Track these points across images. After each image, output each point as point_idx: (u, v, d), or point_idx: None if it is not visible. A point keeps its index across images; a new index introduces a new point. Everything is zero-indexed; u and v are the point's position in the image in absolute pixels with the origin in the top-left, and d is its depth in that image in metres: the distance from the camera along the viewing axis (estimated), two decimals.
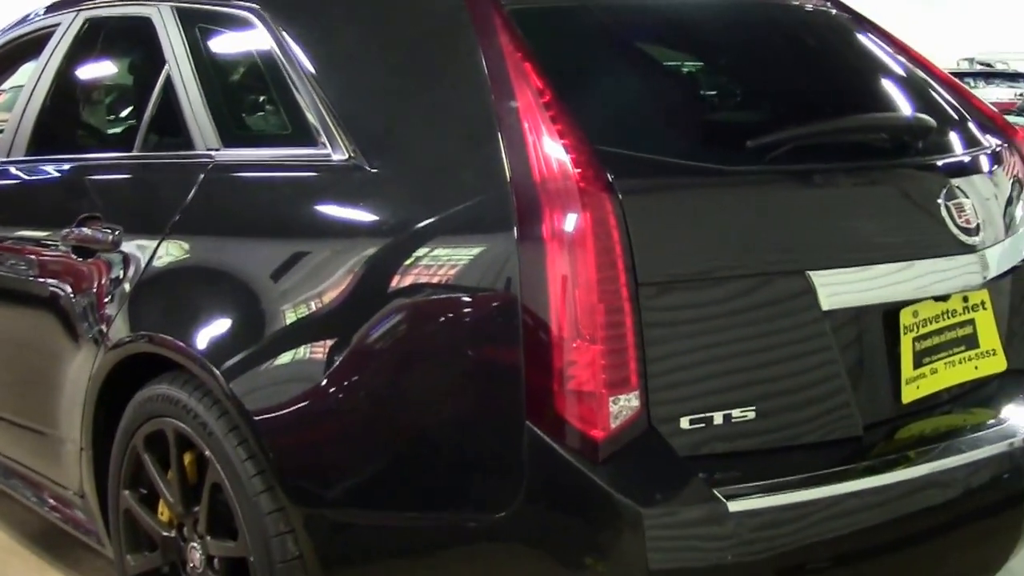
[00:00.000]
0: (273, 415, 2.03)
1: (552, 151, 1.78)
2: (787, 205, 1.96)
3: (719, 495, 1.73)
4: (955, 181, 2.16)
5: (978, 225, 2.15)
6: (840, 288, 1.93)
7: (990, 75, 7.33)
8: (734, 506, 1.72)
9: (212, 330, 2.18)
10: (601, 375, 1.72)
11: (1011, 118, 6.70)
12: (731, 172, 1.93)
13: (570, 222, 1.74)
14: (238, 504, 2.10)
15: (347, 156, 2.06)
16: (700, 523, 1.73)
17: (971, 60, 7.57)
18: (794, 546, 1.80)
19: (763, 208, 1.93)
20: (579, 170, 1.76)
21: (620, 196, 1.77)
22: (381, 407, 1.94)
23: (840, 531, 1.84)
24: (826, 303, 1.91)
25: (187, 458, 2.31)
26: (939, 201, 2.11)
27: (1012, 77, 7.26)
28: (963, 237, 2.11)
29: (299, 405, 2.01)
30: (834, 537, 1.83)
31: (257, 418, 2.02)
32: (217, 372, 2.08)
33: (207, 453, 2.16)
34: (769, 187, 1.97)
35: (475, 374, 1.85)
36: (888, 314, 2.05)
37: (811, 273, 1.90)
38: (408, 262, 1.91)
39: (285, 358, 2.05)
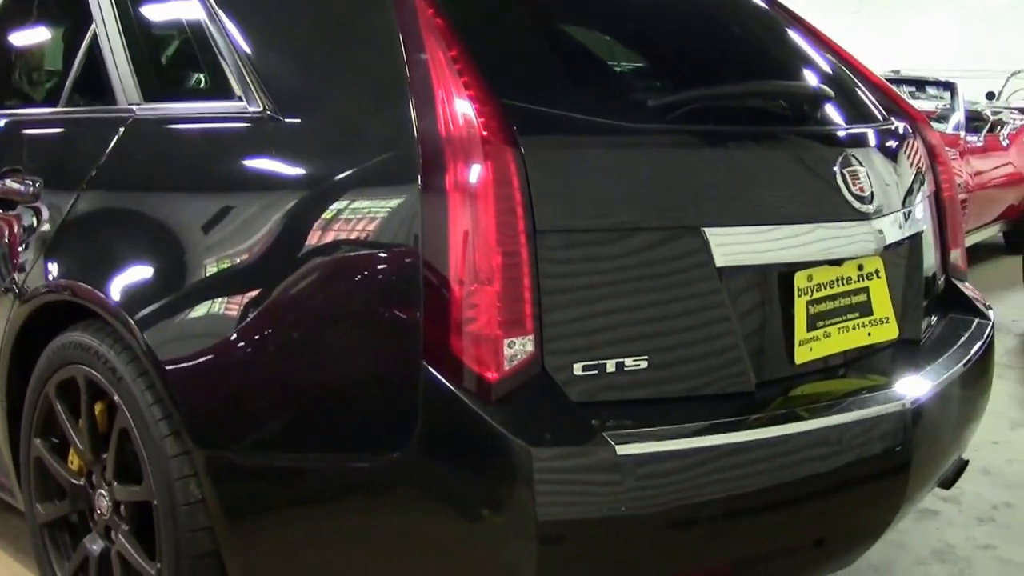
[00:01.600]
0: (181, 361, 2.06)
1: (458, 104, 1.82)
2: (686, 164, 2.02)
3: (608, 438, 1.78)
4: (851, 151, 2.24)
5: (872, 194, 2.23)
6: (734, 246, 2.00)
7: (918, 84, 7.56)
8: (623, 449, 1.77)
9: (126, 280, 2.21)
10: (496, 318, 1.76)
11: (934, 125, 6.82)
12: (632, 129, 2.00)
13: (472, 171, 1.78)
14: (144, 448, 2.13)
15: (261, 108, 2.09)
16: (588, 465, 1.78)
17: (897, 72, 7.81)
18: (683, 497, 1.85)
19: (662, 165, 1.99)
20: (483, 120, 1.80)
21: (523, 148, 1.82)
22: (285, 352, 1.98)
23: (729, 483, 1.89)
24: (720, 260, 1.97)
25: (98, 407, 2.34)
26: (834, 168, 2.18)
27: (940, 85, 7.48)
28: (857, 204, 2.18)
29: (206, 351, 2.05)
30: (724, 489, 1.88)
31: (165, 363, 2.06)
32: (130, 320, 2.11)
33: (116, 398, 2.18)
34: (669, 146, 2.03)
35: (376, 318, 1.88)
36: (783, 276, 2.11)
37: (706, 230, 1.96)
38: (317, 214, 1.95)
39: (194, 306, 2.08)
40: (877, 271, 2.31)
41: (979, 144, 7.57)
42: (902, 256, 2.41)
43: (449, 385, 1.77)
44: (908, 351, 2.39)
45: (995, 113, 8.20)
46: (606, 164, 1.93)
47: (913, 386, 2.18)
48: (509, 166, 1.80)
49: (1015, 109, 9.55)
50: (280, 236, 1.99)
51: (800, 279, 2.13)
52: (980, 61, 14.45)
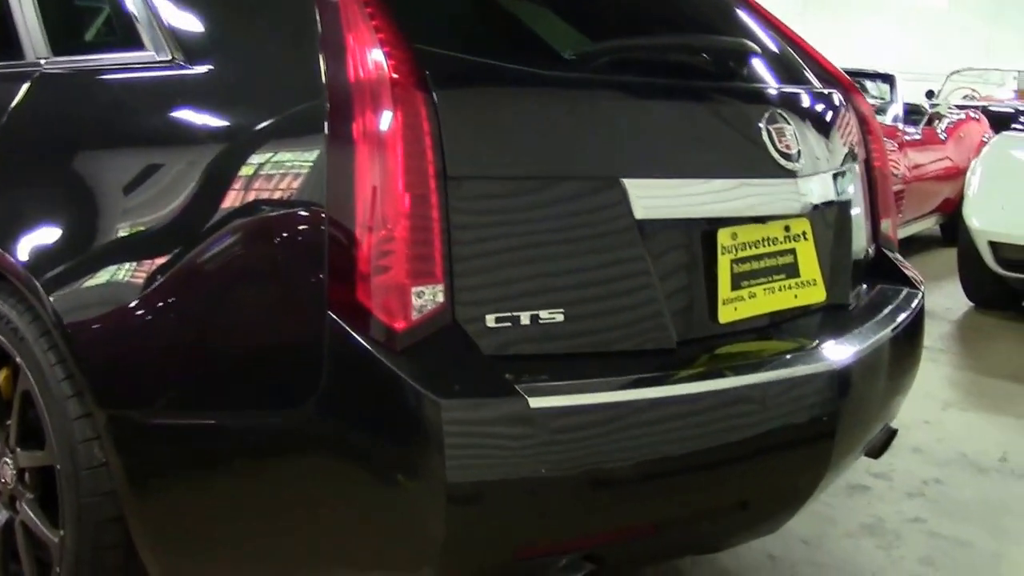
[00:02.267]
0: (84, 320, 1.99)
1: (368, 49, 1.76)
2: (605, 114, 1.97)
3: (521, 391, 1.72)
4: (779, 109, 2.21)
5: (799, 153, 2.19)
6: (654, 199, 1.95)
7: (857, 76, 7.59)
8: (536, 402, 1.72)
9: (32, 241, 2.12)
10: (404, 265, 1.70)
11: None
12: (550, 78, 1.95)
13: (381, 114, 1.72)
14: (46, 410, 2.04)
15: (170, 58, 2.02)
16: (500, 418, 1.71)
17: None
18: (599, 454, 1.79)
19: (580, 115, 1.94)
20: (393, 64, 1.74)
21: (435, 94, 1.76)
22: (189, 308, 1.91)
23: (648, 441, 1.84)
24: (640, 212, 1.92)
25: (2, 374, 2.25)
26: (760, 125, 2.14)
27: (879, 78, 7.53)
28: (782, 162, 2.15)
29: (109, 310, 1.98)
30: (642, 447, 1.83)
31: (69, 323, 1.98)
32: (35, 281, 2.03)
33: (18, 360, 2.10)
34: (588, 95, 1.98)
35: (281, 270, 1.82)
36: (707, 233, 2.07)
37: (625, 181, 1.92)
38: (224, 167, 1.89)
39: (98, 265, 2.01)
40: (804, 233, 2.27)
41: (917, 137, 7.62)
42: (830, 220, 2.38)
43: (355, 335, 1.70)
44: (836, 316, 2.36)
45: (933, 106, 8.26)
46: (522, 112, 1.88)
47: (840, 350, 2.15)
48: (420, 111, 1.74)
49: (954, 107, 9.65)
50: (186, 191, 1.92)
51: (724, 236, 2.09)
52: (921, 63, 14.64)
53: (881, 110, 7.59)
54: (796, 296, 2.26)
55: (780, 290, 2.22)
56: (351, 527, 1.82)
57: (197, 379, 1.90)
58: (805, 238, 2.28)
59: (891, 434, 2.61)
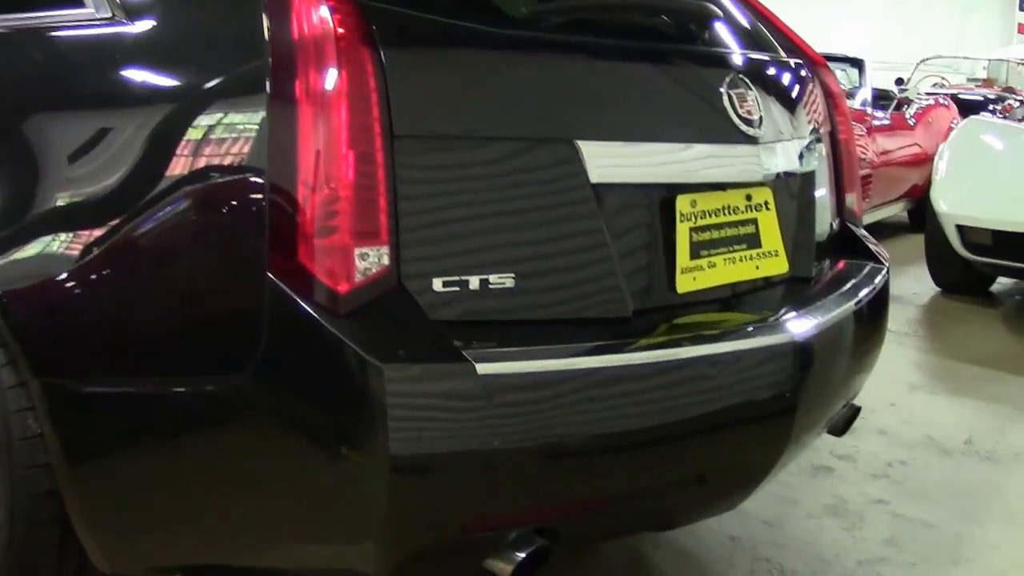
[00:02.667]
0: (17, 287, 1.91)
1: (314, 4, 1.69)
2: (560, 74, 1.90)
3: (469, 357, 1.66)
4: (741, 74, 2.15)
5: (760, 119, 2.14)
6: (610, 161, 1.89)
7: (827, 60, 7.61)
8: (484, 368, 1.65)
9: None
10: (347, 226, 1.63)
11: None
12: (503, 36, 1.88)
13: (325, 70, 1.65)
14: None
15: (110, 14, 1.94)
16: (446, 385, 1.65)
17: None
18: (550, 424, 1.73)
19: (534, 75, 1.87)
20: (338, 18, 1.67)
21: (381, 50, 1.69)
22: (126, 272, 1.84)
23: (602, 411, 1.78)
24: (595, 175, 1.86)
25: None
26: (721, 89, 2.09)
27: (848, 62, 7.49)
28: (743, 127, 2.09)
29: (44, 275, 1.90)
30: (596, 418, 1.77)
31: (2, 291, 1.90)
32: None
33: None
34: (542, 55, 1.91)
35: (220, 232, 1.75)
36: (665, 200, 2.01)
37: (580, 143, 1.85)
38: (164, 129, 1.82)
39: (31, 230, 1.93)
40: (766, 203, 2.22)
41: (886, 122, 7.60)
42: (794, 191, 2.33)
43: (295, 298, 1.63)
44: (799, 289, 2.31)
45: (902, 91, 8.24)
46: (472, 71, 1.81)
47: (802, 323, 2.09)
48: (365, 67, 1.67)
49: (923, 94, 9.63)
50: (125, 154, 1.85)
51: (683, 203, 2.03)
52: (892, 52, 14.65)
53: (850, 95, 7.56)
54: (758, 267, 2.20)
55: (741, 260, 2.17)
56: (293, 499, 1.75)
57: (134, 346, 1.83)
58: (767, 208, 2.22)
59: (854, 412, 2.56)
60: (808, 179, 2.37)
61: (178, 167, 1.79)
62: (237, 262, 1.72)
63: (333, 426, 1.66)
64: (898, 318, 5.47)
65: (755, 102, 2.13)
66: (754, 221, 2.20)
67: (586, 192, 1.86)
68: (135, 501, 1.90)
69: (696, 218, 2.06)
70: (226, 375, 1.71)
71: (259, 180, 1.68)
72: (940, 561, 2.80)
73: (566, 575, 2.63)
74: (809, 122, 2.44)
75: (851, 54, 8.39)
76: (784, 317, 2.11)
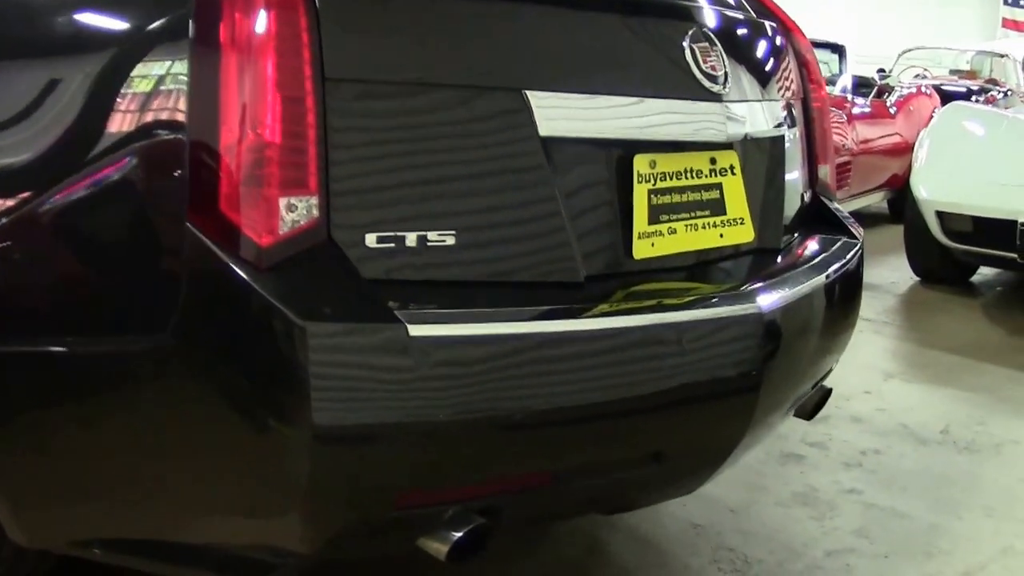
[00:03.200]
0: None
1: None
2: (509, 20, 1.76)
3: (400, 316, 1.51)
4: (705, 28, 2.00)
5: (725, 75, 2.00)
6: (561, 114, 1.75)
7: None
8: (416, 330, 1.51)
9: None
10: (273, 174, 1.49)
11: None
12: None
13: (252, 8, 1.51)
14: None
15: None
16: (374, 345, 1.50)
17: None
18: (488, 391, 1.58)
19: (481, 19, 1.73)
20: None
21: None
22: (38, 229, 1.69)
23: (543, 381, 1.63)
24: (544, 128, 1.72)
25: None
26: (683, 43, 1.94)
27: (828, 48, 7.35)
28: (706, 83, 1.95)
29: None
30: (536, 388, 1.63)
31: None
32: None
33: None
34: (489, 0, 1.76)
35: (140, 180, 1.61)
36: (622, 159, 1.87)
37: (529, 93, 1.71)
38: (84, 76, 1.69)
39: None
40: (732, 167, 2.08)
41: (866, 109, 7.47)
42: (762, 156, 2.18)
43: (215, 250, 1.49)
44: (766, 260, 2.17)
45: (883, 78, 8.11)
46: (415, 13, 1.67)
47: (768, 295, 1.95)
48: (296, 6, 1.53)
49: (906, 83, 9.52)
50: (38, 103, 1.72)
51: (640, 163, 1.89)
52: (875, 45, 14.55)
53: (830, 82, 7.44)
54: (722, 235, 2.06)
55: (704, 227, 2.03)
56: (212, 468, 1.61)
57: (46, 305, 1.69)
58: (733, 173, 2.08)
59: (825, 394, 2.43)
60: (777, 145, 2.23)
61: (95, 116, 1.67)
62: (156, 213, 1.58)
63: (253, 390, 1.52)
64: (875, 307, 5.35)
65: (719, 58, 1.99)
66: (719, 186, 2.05)
67: (534, 146, 1.71)
68: (47, 470, 1.76)
69: (656, 180, 1.92)
70: (144, 335, 1.58)
71: (180, 126, 1.54)
72: (913, 553, 2.67)
73: (518, 562, 2.50)
74: (779, 86, 2.30)
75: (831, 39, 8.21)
76: (749, 288, 1.97)
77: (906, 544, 2.71)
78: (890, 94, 8.01)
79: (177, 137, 1.55)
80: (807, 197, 2.46)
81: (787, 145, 2.28)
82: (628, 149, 1.87)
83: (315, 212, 1.52)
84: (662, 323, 1.76)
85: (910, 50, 11.37)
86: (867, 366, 4.29)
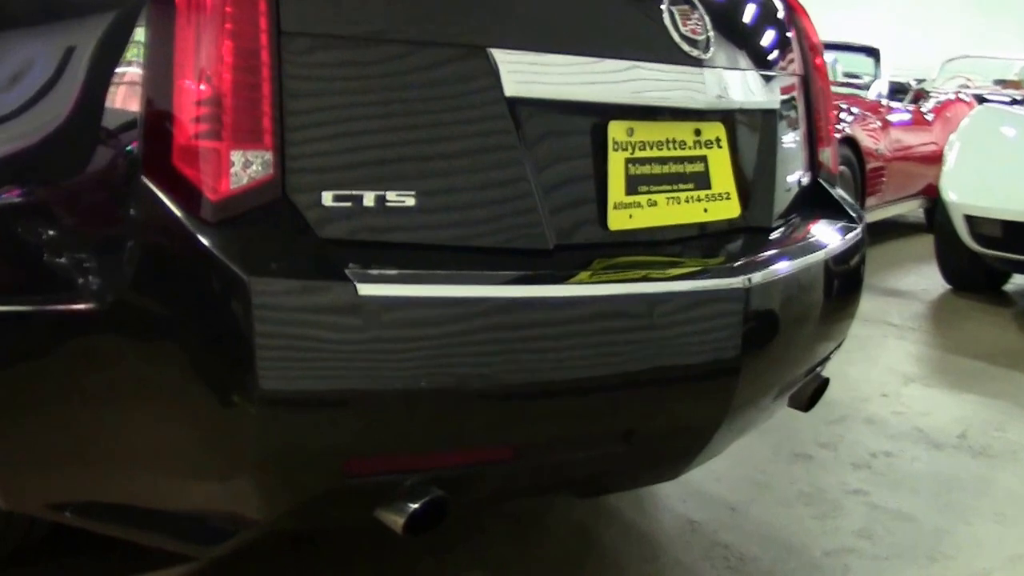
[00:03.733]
0: None
1: None
2: None
3: (349, 275, 1.45)
4: None
5: (707, 40, 1.92)
6: (529, 74, 1.68)
7: (840, 49, 7.27)
8: (367, 289, 1.44)
9: None
10: (227, 127, 1.45)
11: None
12: None
13: None
14: None
15: None
16: (321, 304, 1.44)
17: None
18: (442, 357, 1.51)
19: None
20: None
21: None
22: None
23: (501, 347, 1.56)
24: (511, 88, 1.65)
25: None
26: (662, 5, 1.86)
27: (863, 51, 7.17)
28: (686, 47, 1.87)
29: None
30: (493, 355, 1.55)
31: None
32: None
33: None
34: None
35: (91, 131, 1.58)
36: (597, 126, 1.80)
37: (494, 51, 1.65)
38: (35, 29, 1.69)
39: None
40: (718, 140, 1.99)
41: (901, 116, 7.32)
42: (752, 130, 2.10)
43: (167, 204, 1.45)
44: (755, 238, 2.09)
45: (919, 81, 7.94)
46: None
47: (753, 272, 1.86)
48: None
49: (943, 90, 9.33)
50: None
51: (616, 130, 1.81)
52: (916, 58, 14.34)
53: (864, 86, 7.31)
54: (706, 210, 1.98)
55: (687, 201, 1.95)
56: (167, 430, 1.56)
57: (5, 265, 1.65)
58: (719, 145, 2.00)
59: (822, 384, 2.33)
60: (770, 119, 2.15)
61: (50, 71, 1.64)
62: (113, 169, 1.54)
63: (200, 349, 1.47)
64: (902, 312, 5.23)
65: (701, 22, 1.91)
66: (703, 159, 1.97)
67: (500, 107, 1.65)
68: (17, 433, 1.74)
69: (634, 149, 1.84)
70: (101, 293, 1.53)
71: (136, 79, 1.51)
72: (915, 556, 2.56)
73: (509, 552, 2.42)
74: (774, 60, 2.21)
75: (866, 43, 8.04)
76: (733, 264, 1.88)
77: (909, 547, 2.60)
78: (927, 100, 7.84)
79: (134, 89, 1.51)
80: (806, 179, 2.37)
81: (781, 121, 2.19)
82: (602, 114, 1.79)
83: (269, 168, 1.47)
84: (632, 293, 1.68)
85: (956, 59, 11.16)
86: (887, 370, 4.18)
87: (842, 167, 6.08)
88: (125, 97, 1.53)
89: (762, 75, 2.11)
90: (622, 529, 2.60)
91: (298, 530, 1.82)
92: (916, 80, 8.08)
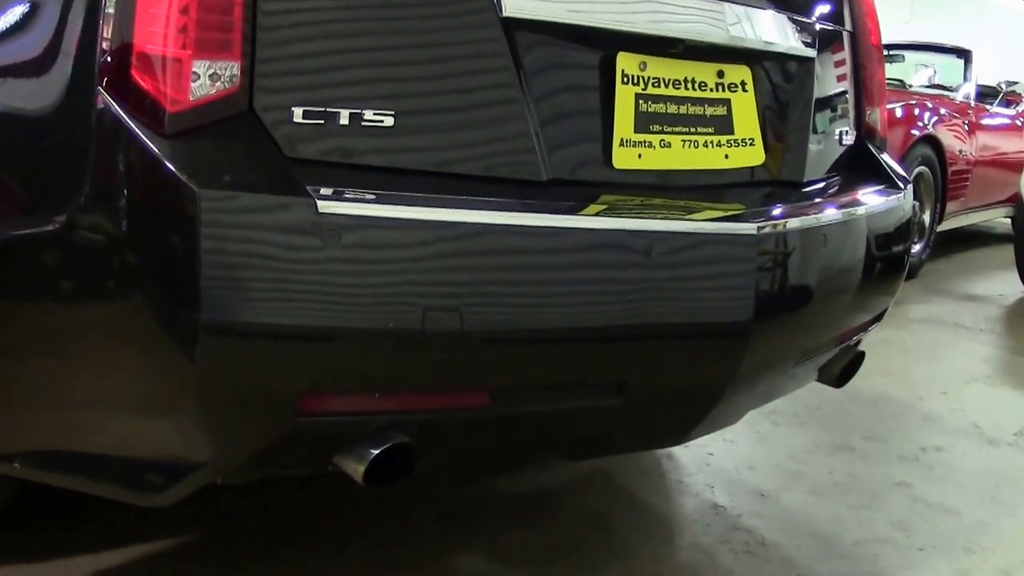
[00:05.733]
0: None
1: None
2: None
3: (310, 191, 1.35)
4: None
5: None
6: None
7: (930, 50, 7.01)
8: (327, 207, 1.35)
9: None
10: (189, 34, 1.35)
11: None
12: None
13: None
14: None
15: None
16: (276, 222, 1.34)
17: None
18: (409, 284, 1.40)
19: None
20: None
21: None
22: None
23: (474, 278, 1.45)
24: (509, 8, 1.55)
25: None
26: None
27: (954, 53, 6.87)
28: None
29: None
30: (464, 285, 1.44)
31: None
32: None
33: None
34: None
35: (48, 41, 1.50)
36: (605, 55, 1.68)
37: None
38: None
39: None
40: (743, 83, 1.87)
41: (991, 120, 7.04)
42: (784, 77, 1.97)
43: (123, 116, 1.36)
44: (785, 193, 1.96)
45: (1010, 85, 7.63)
46: None
47: (773, 219, 1.73)
48: None
49: None
50: None
51: (626, 62, 1.70)
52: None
53: (953, 88, 7.04)
54: (727, 156, 1.86)
55: (706, 145, 1.82)
56: (112, 364, 1.47)
57: None
58: (744, 89, 1.87)
59: (856, 358, 2.18)
60: (806, 69, 2.01)
61: None
62: (72, 79, 1.45)
63: (146, 271, 1.37)
64: (975, 315, 5.01)
65: None
66: (726, 102, 1.85)
67: (494, 27, 1.55)
68: None
69: (646, 84, 1.72)
70: (49, 214, 1.45)
71: None
72: (951, 548, 2.40)
73: (518, 534, 2.31)
74: (814, 6, 2.07)
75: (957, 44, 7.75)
76: (751, 213, 1.76)
77: (946, 539, 2.44)
78: (1019, 104, 7.54)
79: None
80: (849, 139, 2.23)
81: (820, 73, 2.05)
82: (611, 43, 1.68)
83: (235, 79, 1.38)
84: (627, 229, 1.56)
85: None
86: (952, 369, 3.99)
87: (922, 168, 5.87)
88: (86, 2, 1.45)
89: (798, 20, 1.98)
90: (639, 510, 2.48)
91: (249, 479, 1.71)
92: (1007, 83, 7.77)
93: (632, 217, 1.59)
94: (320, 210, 1.34)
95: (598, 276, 1.53)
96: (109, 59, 1.39)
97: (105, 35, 1.40)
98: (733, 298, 1.65)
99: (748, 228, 1.66)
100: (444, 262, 1.42)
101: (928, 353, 4.17)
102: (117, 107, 1.37)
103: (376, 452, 1.48)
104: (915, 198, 6.00)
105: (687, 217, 1.66)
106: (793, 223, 1.75)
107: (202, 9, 1.36)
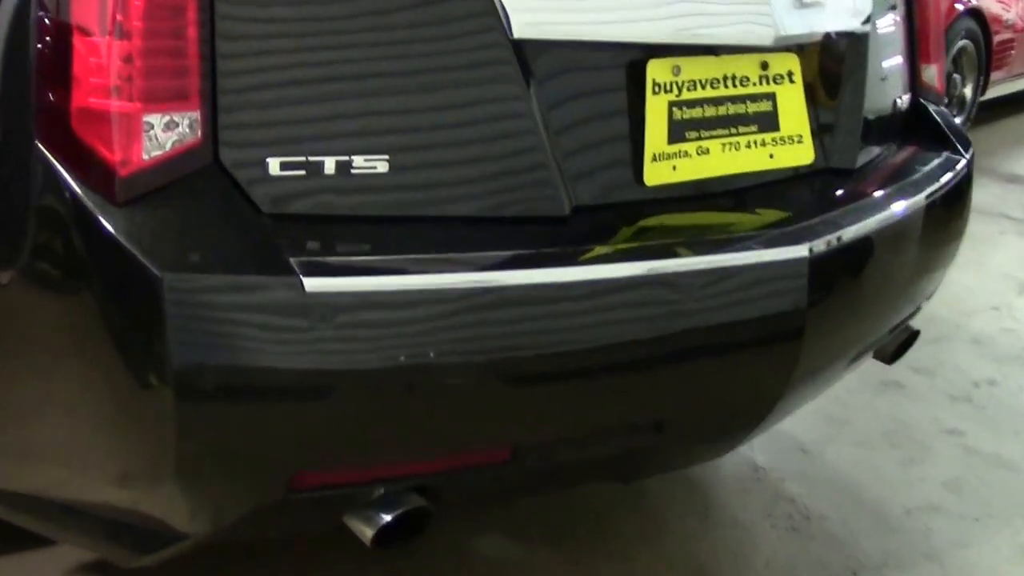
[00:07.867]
0: None
1: None
2: None
3: (295, 266, 1.21)
4: None
5: None
6: (542, 12, 1.39)
7: None
8: (315, 285, 1.21)
9: None
10: (137, 82, 1.19)
11: None
12: None
13: None
14: None
15: None
16: (255, 303, 1.20)
17: None
18: (414, 353, 1.27)
19: None
20: None
21: None
22: None
23: (483, 339, 1.31)
24: (519, 29, 1.38)
25: None
26: None
27: None
28: None
29: None
30: (474, 345, 1.30)
31: None
32: None
33: None
34: None
35: None
36: (633, 66, 1.51)
37: None
38: None
39: None
40: (790, 73, 1.69)
41: None
42: (835, 60, 1.78)
43: (66, 176, 1.21)
44: (835, 183, 1.79)
45: None
46: None
47: (821, 236, 1.58)
48: None
49: None
50: None
51: (657, 69, 1.52)
52: None
53: None
54: (772, 156, 1.69)
55: (749, 147, 1.66)
56: (83, 430, 1.36)
57: None
58: (791, 80, 1.69)
59: (911, 336, 2.06)
60: (859, 45, 1.82)
61: None
62: (6, 133, 1.30)
63: (108, 347, 1.24)
64: (1022, 202, 4.79)
65: None
66: (771, 96, 1.67)
67: (503, 49, 1.37)
68: None
69: (680, 89, 1.56)
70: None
71: (27, 25, 1.26)
72: (1009, 515, 2.29)
73: (538, 509, 2.22)
74: None
75: None
76: (800, 229, 1.60)
77: (1003, 503, 2.34)
78: None
79: (26, 36, 1.26)
80: (903, 101, 2.04)
81: (873, 43, 1.86)
82: (640, 53, 1.50)
83: (196, 131, 1.22)
84: (659, 273, 1.41)
85: None
86: (1001, 275, 3.82)
87: (966, 41, 5.63)
88: (14, 43, 1.29)
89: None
90: (672, 480, 2.37)
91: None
92: None
93: (665, 256, 1.44)
94: (308, 289, 1.21)
95: (625, 315, 1.40)
96: (44, 110, 1.24)
97: (39, 79, 1.25)
98: (782, 322, 1.52)
99: (799, 252, 1.51)
100: (453, 334, 1.29)
101: (973, 254, 3.98)
102: (58, 166, 1.22)
103: (388, 519, 1.38)
104: (957, 71, 5.76)
105: (729, 246, 1.51)
106: (848, 233, 1.60)
107: (149, 55, 1.20)
